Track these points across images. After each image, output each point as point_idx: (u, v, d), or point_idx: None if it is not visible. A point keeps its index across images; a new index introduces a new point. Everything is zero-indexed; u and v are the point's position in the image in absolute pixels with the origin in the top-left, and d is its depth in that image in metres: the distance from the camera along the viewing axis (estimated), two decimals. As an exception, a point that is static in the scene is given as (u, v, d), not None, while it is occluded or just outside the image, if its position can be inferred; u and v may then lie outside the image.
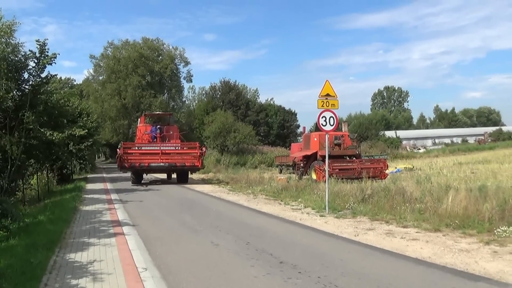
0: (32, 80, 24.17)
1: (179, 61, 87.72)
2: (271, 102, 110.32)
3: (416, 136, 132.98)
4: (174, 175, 43.45)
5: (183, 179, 40.62)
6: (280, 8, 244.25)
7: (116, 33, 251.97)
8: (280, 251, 12.00)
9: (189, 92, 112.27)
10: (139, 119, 47.42)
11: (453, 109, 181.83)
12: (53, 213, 20.06)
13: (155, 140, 40.96)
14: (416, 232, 14.17)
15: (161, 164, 37.44)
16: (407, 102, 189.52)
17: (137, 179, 39.64)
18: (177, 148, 39.07)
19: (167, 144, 39.41)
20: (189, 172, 40.99)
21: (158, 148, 37.68)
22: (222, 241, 13.65)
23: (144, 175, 42.97)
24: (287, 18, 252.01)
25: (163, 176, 47.16)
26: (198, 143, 40.08)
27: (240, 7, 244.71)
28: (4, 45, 22.95)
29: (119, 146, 38.17)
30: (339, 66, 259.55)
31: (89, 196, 28.87)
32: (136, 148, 39.10)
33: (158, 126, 42.48)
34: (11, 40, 23.49)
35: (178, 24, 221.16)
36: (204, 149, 39.20)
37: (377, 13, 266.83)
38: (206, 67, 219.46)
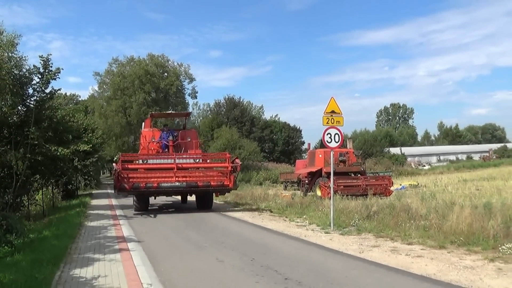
0: (36, 96, 24.20)
1: (184, 77, 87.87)
2: (276, 119, 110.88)
3: (421, 153, 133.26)
4: (191, 197, 33.89)
5: (205, 203, 29.85)
6: (285, 25, 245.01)
7: (122, 50, 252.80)
8: (285, 267, 11.96)
9: (193, 108, 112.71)
10: (143, 123, 34.61)
11: (457, 125, 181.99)
12: (58, 228, 20.19)
13: (166, 150, 30.11)
14: (421, 249, 14.13)
15: (177, 184, 26.60)
16: (412, 119, 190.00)
17: (142, 205, 28.99)
18: (198, 161, 29.56)
19: (184, 156, 28.88)
20: (214, 193, 30.23)
21: (172, 161, 27.09)
22: (227, 257, 13.64)
23: (151, 198, 32.19)
24: (292, 35, 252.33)
25: (175, 198, 37.23)
26: (228, 154, 29.96)
27: (245, 24, 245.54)
28: (7, 59, 23.02)
29: (115, 159, 31.70)
30: (344, 83, 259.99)
31: (94, 212, 28.96)
32: (141, 161, 28.69)
33: (170, 131, 31.57)
34: (13, 54, 23.58)
35: (184, 41, 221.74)
36: (237, 161, 28.46)
37: (382, 29, 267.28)
38: (211, 83, 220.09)
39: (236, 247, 15.43)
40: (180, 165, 27.45)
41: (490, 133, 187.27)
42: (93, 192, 54.46)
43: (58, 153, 25.32)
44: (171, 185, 26.85)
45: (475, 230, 15.09)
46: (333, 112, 19.41)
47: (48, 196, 33.65)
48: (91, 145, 37.47)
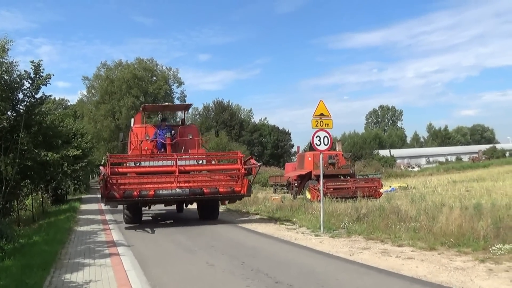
0: (26, 101, 24.15)
1: (172, 81, 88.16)
2: (265, 122, 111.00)
3: (410, 155, 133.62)
4: (190, 205, 27.94)
5: (209, 212, 25.46)
6: (274, 28, 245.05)
7: (110, 54, 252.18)
8: (276, 271, 11.97)
9: (182, 112, 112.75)
10: (132, 119, 29.37)
11: (446, 127, 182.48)
12: (48, 233, 20.14)
13: (163, 150, 25.61)
14: (411, 251, 14.16)
15: (178, 191, 22.02)
16: (401, 120, 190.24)
17: (135, 217, 24.46)
18: (201, 162, 24.39)
19: (185, 157, 23.79)
20: (220, 202, 25.34)
21: (173, 163, 22.49)
22: (217, 261, 13.64)
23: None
24: (281, 38, 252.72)
25: (168, 207, 30.15)
26: (240, 153, 24.49)
27: (234, 27, 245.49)
28: (-2, 64, 22.98)
29: (102, 161, 25.28)
30: (333, 85, 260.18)
31: (83, 216, 28.93)
32: (132, 164, 23.87)
33: (168, 127, 26.55)
34: (4, 59, 23.52)
35: (172, 45, 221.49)
36: (253, 161, 23.89)
37: (371, 32, 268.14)
38: (200, 87, 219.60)
39: (226, 250, 15.42)
40: (182, 168, 22.43)
41: (479, 134, 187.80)
42: (82, 196, 54.45)
43: (48, 158, 25.16)
44: (171, 192, 22.04)
45: (465, 231, 15.12)
46: (322, 115, 19.43)
47: (38, 201, 33.54)
48: (80, 150, 37.36)
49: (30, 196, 30.99)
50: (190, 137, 26.35)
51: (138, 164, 23.61)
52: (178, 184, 22.03)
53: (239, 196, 23.56)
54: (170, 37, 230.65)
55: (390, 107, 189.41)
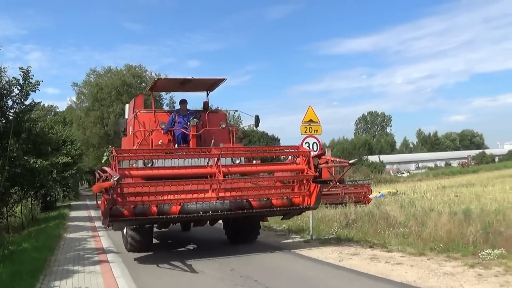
0: (16, 108, 24.11)
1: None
2: (254, 128, 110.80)
3: (400, 160, 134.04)
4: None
5: (247, 233, 17.93)
6: (264, 34, 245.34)
7: (100, 60, 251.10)
8: (265, 277, 11.99)
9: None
10: (128, 105, 21.93)
11: (436, 132, 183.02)
12: (37, 240, 20.10)
13: (184, 144, 17.59)
14: (401, 257, 14.17)
15: (216, 204, 14.78)
16: (390, 126, 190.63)
17: (144, 242, 16.76)
18: (240, 161, 16.70)
19: (231, 152, 16.31)
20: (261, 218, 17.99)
21: (211, 162, 14.84)
22: (207, 268, 13.61)
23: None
24: (271, 44, 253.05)
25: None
26: (302, 147, 17.21)
27: (224, 33, 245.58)
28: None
29: (104, 159, 21.13)
30: (322, 92, 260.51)
31: (73, 223, 28.84)
32: (140, 164, 15.53)
33: (190, 112, 18.40)
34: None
35: (162, 51, 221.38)
36: (328, 158, 17.24)
37: (361, 38, 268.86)
38: (190, 93, 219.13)
39: (216, 257, 15.38)
40: (226, 169, 14.79)
41: (469, 140, 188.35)
42: (72, 203, 54.38)
43: (37, 165, 25.14)
44: (207, 206, 14.58)
45: (455, 237, 15.18)
46: (311, 121, 19.43)
47: (27, 208, 33.48)
48: (70, 157, 37.32)
49: (20, 203, 30.93)
50: (224, 125, 18.53)
51: (150, 164, 15.43)
52: (217, 195, 14.41)
53: (300, 210, 16.35)
54: (160, 44, 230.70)
55: (379, 113, 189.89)
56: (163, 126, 17.64)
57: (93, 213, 37.67)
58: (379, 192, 46.16)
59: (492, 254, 12.82)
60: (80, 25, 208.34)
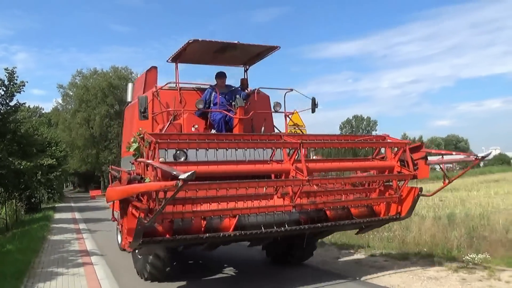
0: (1, 109, 24.04)
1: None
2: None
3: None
4: None
5: (301, 253, 13.83)
6: (250, 38, 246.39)
7: (86, 62, 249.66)
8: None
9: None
10: (138, 80, 18.70)
11: (421, 137, 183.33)
12: (21, 242, 20.00)
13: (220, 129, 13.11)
14: (385, 261, 14.19)
15: (283, 216, 10.12)
16: (376, 130, 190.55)
17: (168, 267, 12.04)
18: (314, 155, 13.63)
19: (314, 141, 11.00)
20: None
21: (288, 157, 10.01)
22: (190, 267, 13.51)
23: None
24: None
25: None
26: (388, 136, 11.85)
27: (210, 36, 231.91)
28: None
29: (132, 147, 9.38)
30: (308, 95, 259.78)
31: (57, 225, 28.70)
32: (184, 156, 11.11)
33: (233, 88, 14.31)
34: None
35: (149, 53, 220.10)
36: (436, 151, 15.38)
37: (347, 42, 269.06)
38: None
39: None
40: (308, 166, 9.98)
41: (454, 145, 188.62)
42: (56, 205, 54.05)
43: (22, 167, 25.03)
44: (271, 218, 10.12)
45: (439, 241, 15.25)
46: (296, 125, 19.42)
47: (12, 210, 33.35)
48: (54, 159, 37.17)
49: (4, 204, 30.80)
50: (278, 109, 14.47)
51: (184, 157, 11.11)
52: (295, 201, 9.90)
53: (386, 221, 12.20)
54: (147, 46, 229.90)
55: (364, 117, 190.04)
56: (200, 106, 13.08)
57: (77, 215, 37.53)
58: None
59: (476, 258, 12.85)
60: (66, 26, 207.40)
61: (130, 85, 16.84)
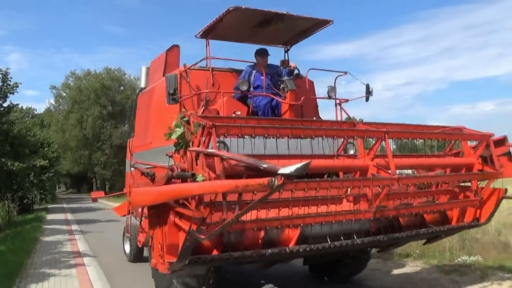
0: (-7, 110, 24.05)
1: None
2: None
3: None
4: None
5: (352, 267, 11.65)
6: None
7: (79, 63, 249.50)
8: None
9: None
10: (156, 60, 13.42)
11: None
12: (13, 243, 19.91)
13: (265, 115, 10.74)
14: (377, 263, 14.15)
15: (352, 225, 7.98)
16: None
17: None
18: (355, 151, 10.58)
19: (404, 131, 10.52)
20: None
21: (365, 151, 8.85)
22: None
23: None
24: (251, 49, 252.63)
25: None
26: (464, 128, 10.79)
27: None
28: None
29: (176, 134, 6.82)
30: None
31: (49, 226, 28.60)
32: (225, 148, 8.13)
33: (279, 68, 11.70)
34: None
35: (142, 54, 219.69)
36: None
37: (340, 44, 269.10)
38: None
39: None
40: (408, 162, 10.56)
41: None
42: (49, 206, 53.88)
43: (14, 168, 24.98)
44: (345, 227, 8.02)
45: (431, 243, 15.26)
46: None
47: (4, 211, 33.29)
48: (47, 161, 37.11)
49: (-2, 205, 30.76)
50: (333, 94, 12.47)
51: (223, 148, 8.08)
52: (373, 207, 7.88)
53: (461, 228, 10.11)
54: (140, 47, 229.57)
55: (358, 119, 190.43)
56: (244, 88, 10.80)
57: (69, 216, 37.44)
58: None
59: (468, 261, 12.88)
60: (60, 27, 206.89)
61: (144, 69, 14.78)
